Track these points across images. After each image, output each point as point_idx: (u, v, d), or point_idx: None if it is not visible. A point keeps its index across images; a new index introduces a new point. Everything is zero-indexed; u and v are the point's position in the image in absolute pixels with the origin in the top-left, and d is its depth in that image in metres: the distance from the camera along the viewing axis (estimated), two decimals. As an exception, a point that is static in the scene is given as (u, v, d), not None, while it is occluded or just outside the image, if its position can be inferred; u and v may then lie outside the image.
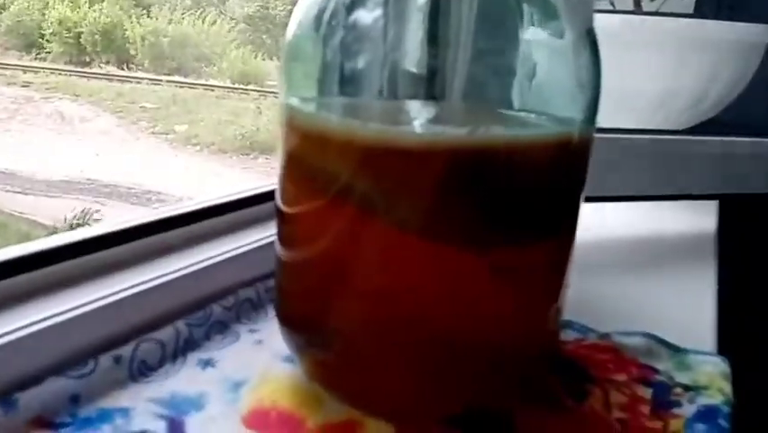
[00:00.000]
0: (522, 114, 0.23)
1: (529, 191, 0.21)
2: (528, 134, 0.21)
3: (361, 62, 0.23)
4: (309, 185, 0.23)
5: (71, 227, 3.21)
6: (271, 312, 0.31)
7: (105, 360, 0.24)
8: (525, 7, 0.23)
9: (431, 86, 0.23)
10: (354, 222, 0.22)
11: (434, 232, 0.21)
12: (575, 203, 0.24)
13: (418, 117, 0.22)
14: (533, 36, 0.22)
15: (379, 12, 0.22)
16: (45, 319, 0.23)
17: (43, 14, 6.02)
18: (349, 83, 0.23)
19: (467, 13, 0.23)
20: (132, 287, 0.26)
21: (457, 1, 0.23)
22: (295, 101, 0.23)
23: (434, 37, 0.23)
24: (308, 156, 0.23)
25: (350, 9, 0.22)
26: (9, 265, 0.24)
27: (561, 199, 0.23)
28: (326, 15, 0.21)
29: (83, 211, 3.37)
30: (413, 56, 0.23)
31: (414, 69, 0.23)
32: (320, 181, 0.22)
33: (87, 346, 0.24)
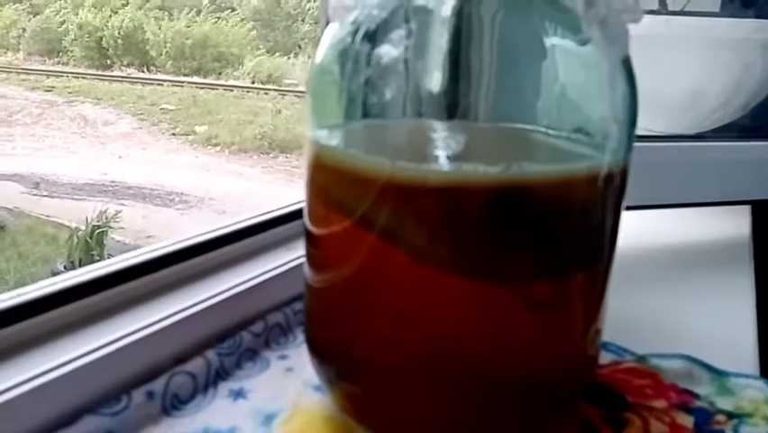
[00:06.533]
0: (552, 134, 0.22)
1: (564, 225, 0.21)
2: (561, 170, 0.20)
3: (385, 94, 0.22)
4: (336, 216, 0.23)
5: (92, 229, 3.25)
6: (300, 336, 0.31)
7: (138, 395, 0.24)
8: (553, 26, 0.22)
9: (457, 109, 0.23)
10: (383, 256, 0.22)
11: (467, 268, 0.21)
12: (613, 230, 0.23)
13: (447, 149, 0.22)
14: (562, 56, 0.22)
15: (402, 42, 0.21)
16: (78, 358, 0.23)
17: (63, 22, 6.12)
18: (374, 115, 0.23)
19: (490, 34, 0.23)
20: (162, 320, 0.26)
21: (480, 22, 0.22)
22: (321, 135, 0.23)
23: (457, 59, 0.22)
24: (336, 191, 0.22)
25: (372, 43, 0.21)
26: (35, 304, 0.24)
27: (598, 229, 0.22)
28: (351, 52, 0.21)
29: (102, 212, 3.41)
30: (437, 80, 0.23)
31: (438, 93, 0.22)
32: (347, 214, 0.22)
33: (120, 382, 0.24)
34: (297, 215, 0.35)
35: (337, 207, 0.23)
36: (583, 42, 0.21)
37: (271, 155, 4.69)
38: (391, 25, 0.22)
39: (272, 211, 0.36)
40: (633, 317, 0.34)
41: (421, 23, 0.22)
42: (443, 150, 0.22)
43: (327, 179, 0.23)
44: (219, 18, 6.24)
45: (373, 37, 0.21)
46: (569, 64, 0.21)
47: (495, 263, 0.20)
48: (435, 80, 0.22)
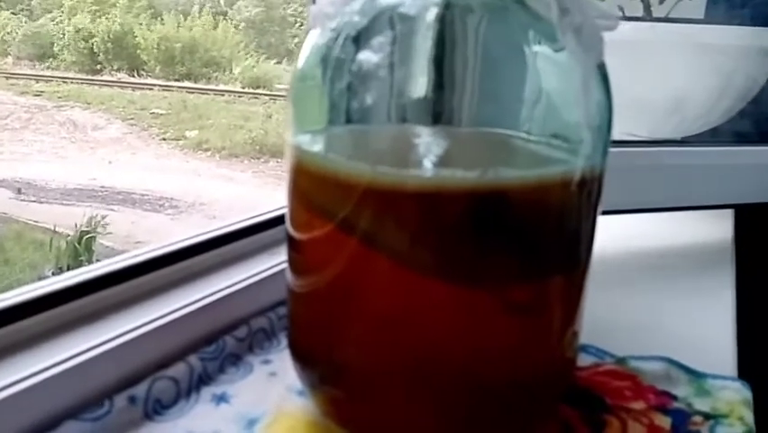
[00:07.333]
0: (532, 139, 0.23)
1: (541, 228, 0.21)
2: (537, 175, 0.21)
3: (368, 100, 0.22)
4: (318, 221, 0.23)
5: (80, 234, 3.23)
6: (284, 341, 0.31)
7: (120, 400, 0.24)
8: (533, 34, 0.22)
9: (440, 114, 0.23)
10: (364, 261, 0.22)
11: (447, 272, 0.21)
12: (590, 234, 0.23)
13: (428, 155, 0.22)
14: (543, 63, 0.22)
15: (385, 48, 0.22)
16: (59, 363, 0.23)
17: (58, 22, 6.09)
18: (357, 120, 0.23)
19: (473, 41, 0.23)
20: (145, 324, 0.26)
21: (463, 29, 0.23)
22: (302, 140, 0.23)
23: (440, 66, 0.23)
24: (318, 196, 0.23)
25: (355, 49, 0.21)
26: (17, 309, 0.24)
27: (574, 233, 0.22)
28: (332, 58, 0.21)
29: (91, 217, 3.40)
30: (421, 86, 0.23)
31: (422, 98, 0.23)
32: (329, 219, 0.22)
33: (102, 387, 0.24)
34: (279, 220, 0.35)
35: (319, 212, 0.23)
36: (559, 50, 0.21)
37: (262, 160, 4.68)
38: (373, 32, 0.22)
39: (255, 216, 0.36)
40: (615, 320, 0.35)
41: (405, 30, 0.22)
42: (424, 155, 0.22)
43: (309, 184, 0.23)
44: (211, 21, 6.24)
45: (355, 43, 0.22)
46: (548, 71, 0.22)
47: (474, 267, 0.21)
48: (419, 86, 0.22)
